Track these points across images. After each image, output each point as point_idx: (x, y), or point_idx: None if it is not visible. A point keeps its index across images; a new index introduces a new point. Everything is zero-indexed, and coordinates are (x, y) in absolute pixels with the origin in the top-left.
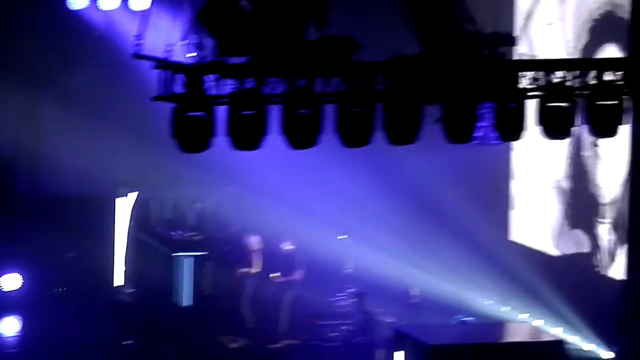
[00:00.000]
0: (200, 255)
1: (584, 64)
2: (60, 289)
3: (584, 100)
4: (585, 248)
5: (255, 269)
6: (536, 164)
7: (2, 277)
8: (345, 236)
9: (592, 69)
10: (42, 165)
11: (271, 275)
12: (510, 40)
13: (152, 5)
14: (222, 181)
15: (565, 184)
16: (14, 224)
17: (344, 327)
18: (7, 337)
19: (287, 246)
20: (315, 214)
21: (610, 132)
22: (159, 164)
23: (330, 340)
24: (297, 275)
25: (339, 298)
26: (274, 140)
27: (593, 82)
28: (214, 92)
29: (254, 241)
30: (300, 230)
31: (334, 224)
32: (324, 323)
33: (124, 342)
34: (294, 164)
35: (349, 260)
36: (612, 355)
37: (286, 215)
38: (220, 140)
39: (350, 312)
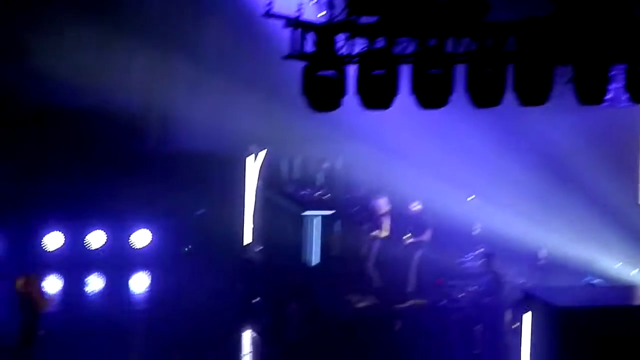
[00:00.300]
0: (329, 214)
1: None
2: (188, 247)
3: None
4: None
5: (383, 231)
6: None
7: (133, 234)
8: (474, 197)
9: None
10: (172, 124)
11: (403, 237)
12: None
13: None
14: (351, 141)
15: None
16: (144, 181)
17: (471, 288)
18: (137, 293)
19: (416, 207)
20: (444, 175)
21: None
22: (288, 123)
23: (458, 300)
24: (425, 236)
25: (467, 259)
26: (404, 100)
27: None
28: (344, 51)
29: (382, 203)
30: (429, 191)
31: (462, 184)
32: (452, 284)
33: (253, 300)
34: (424, 124)
35: (477, 221)
36: None
37: (415, 176)
38: (350, 100)
39: (478, 273)
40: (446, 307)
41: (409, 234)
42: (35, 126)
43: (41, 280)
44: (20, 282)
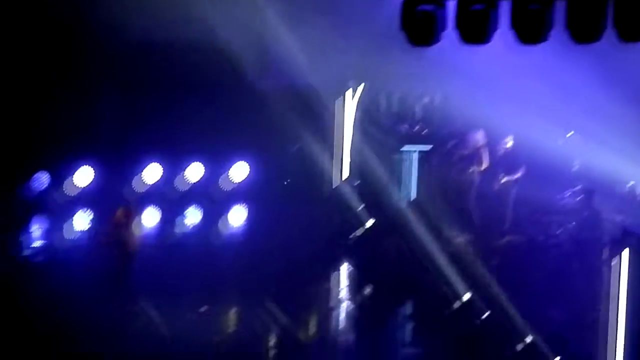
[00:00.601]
0: (427, 149)
1: None
2: (286, 180)
3: None
4: None
5: (480, 165)
6: None
7: (231, 167)
8: (573, 133)
9: None
10: (272, 59)
11: (499, 174)
12: None
13: None
14: (449, 76)
15: None
16: (241, 115)
17: (570, 224)
18: (235, 227)
19: (510, 142)
20: (543, 112)
21: None
22: (387, 57)
23: (556, 236)
24: (522, 171)
25: (566, 195)
26: (504, 35)
27: None
28: None
29: (479, 137)
30: (527, 126)
31: (561, 121)
32: (550, 219)
33: (350, 236)
34: (523, 60)
35: (576, 157)
36: None
37: (512, 112)
38: (449, 34)
39: (577, 209)
40: (544, 243)
41: (503, 174)
42: (137, 59)
43: (136, 213)
44: (119, 214)
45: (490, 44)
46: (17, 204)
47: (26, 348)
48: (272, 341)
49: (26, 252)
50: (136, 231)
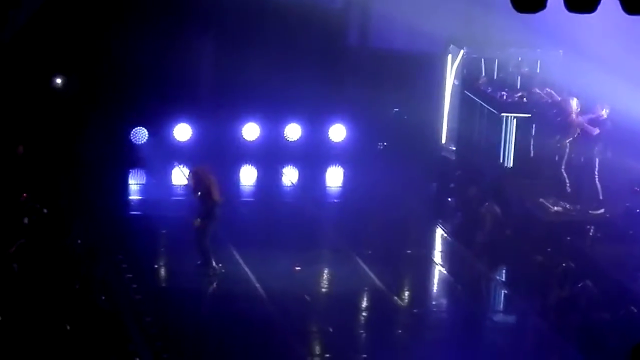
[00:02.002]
0: (526, 117)
1: None
2: (384, 143)
3: None
4: None
5: (574, 132)
6: None
7: (330, 128)
8: None
9: None
10: (373, 21)
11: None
12: None
13: None
14: (552, 44)
15: None
16: (342, 77)
17: None
18: (331, 187)
19: (606, 111)
20: None
21: None
22: (490, 23)
23: None
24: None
25: None
26: (609, 3)
27: None
28: None
29: (575, 104)
30: (626, 97)
31: None
32: None
33: (447, 199)
34: (628, 30)
35: None
36: None
37: (612, 81)
38: (556, 2)
39: None
40: None
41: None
42: (238, 19)
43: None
44: (198, 172)
45: (595, 12)
46: (117, 157)
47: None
48: (365, 302)
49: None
50: (215, 186)
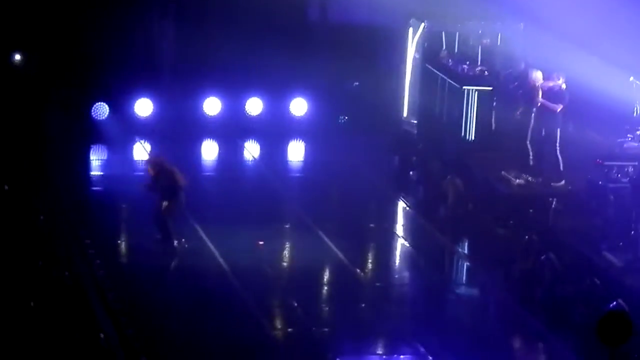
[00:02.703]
0: (487, 90)
1: None
2: (344, 117)
3: None
4: None
5: (536, 104)
6: None
7: (291, 102)
8: (633, 78)
9: None
10: None
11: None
12: None
13: None
14: (511, 17)
15: None
16: (303, 52)
17: (631, 169)
18: (292, 161)
19: (563, 83)
20: (604, 55)
21: None
22: None
23: (616, 181)
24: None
25: (627, 140)
26: None
27: None
28: None
29: (536, 76)
30: (587, 69)
31: (623, 66)
32: (611, 164)
33: (410, 172)
34: (586, 3)
35: (637, 103)
36: None
37: (572, 54)
38: None
39: (638, 153)
40: (604, 187)
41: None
42: None
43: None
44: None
45: None
46: (79, 133)
47: None
48: (328, 276)
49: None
50: (177, 171)
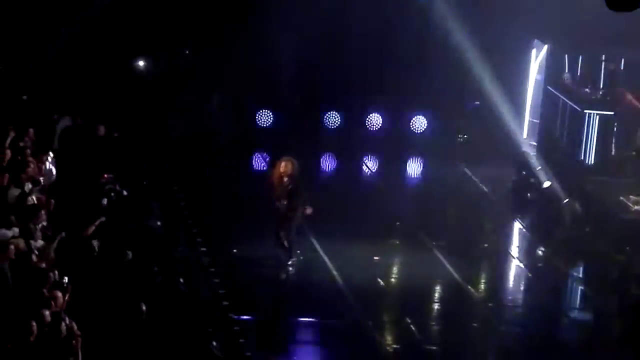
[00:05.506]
0: (609, 115)
1: None
2: (464, 136)
3: None
4: None
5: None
6: None
7: (412, 119)
8: None
9: None
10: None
11: None
12: None
13: None
14: (636, 42)
15: None
16: (425, 70)
17: None
18: (411, 177)
19: None
20: None
21: None
22: (577, 19)
23: None
24: None
25: None
26: None
27: None
28: None
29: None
30: None
31: None
32: None
33: (528, 194)
34: None
35: None
36: None
37: None
38: None
39: None
40: None
41: None
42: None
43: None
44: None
45: None
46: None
47: None
48: (440, 294)
49: None
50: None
